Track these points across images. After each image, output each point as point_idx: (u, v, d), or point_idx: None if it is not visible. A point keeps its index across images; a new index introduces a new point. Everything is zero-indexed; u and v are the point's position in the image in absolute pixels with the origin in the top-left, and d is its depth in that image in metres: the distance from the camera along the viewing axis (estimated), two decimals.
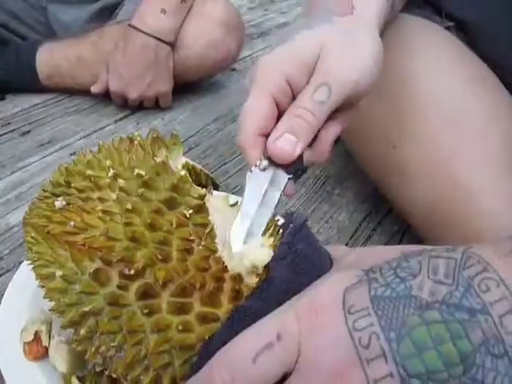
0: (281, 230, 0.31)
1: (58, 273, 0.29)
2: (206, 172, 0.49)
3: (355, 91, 0.35)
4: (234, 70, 0.97)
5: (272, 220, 0.32)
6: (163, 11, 0.74)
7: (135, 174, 0.31)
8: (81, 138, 0.75)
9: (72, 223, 0.30)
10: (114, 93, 0.79)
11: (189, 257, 0.28)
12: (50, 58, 0.84)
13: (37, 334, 0.37)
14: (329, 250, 0.30)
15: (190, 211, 0.29)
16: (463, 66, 0.52)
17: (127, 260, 0.27)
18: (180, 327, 0.26)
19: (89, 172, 0.32)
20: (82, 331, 0.28)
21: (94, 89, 0.81)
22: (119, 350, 0.27)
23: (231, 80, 0.94)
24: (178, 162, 0.37)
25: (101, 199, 0.30)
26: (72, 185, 0.32)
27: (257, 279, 0.28)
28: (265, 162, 0.33)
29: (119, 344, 0.27)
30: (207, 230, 0.29)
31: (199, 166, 0.55)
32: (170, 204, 0.30)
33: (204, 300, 0.27)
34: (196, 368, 0.25)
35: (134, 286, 0.27)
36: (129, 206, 0.29)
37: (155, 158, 0.32)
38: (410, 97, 0.50)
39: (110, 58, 0.77)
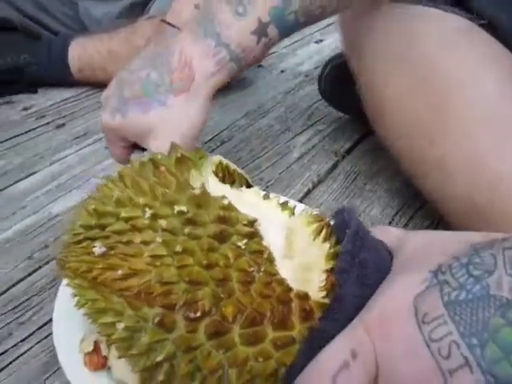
0: (332, 232, 0.31)
1: (120, 325, 0.28)
2: (240, 171, 0.51)
3: None
4: (260, 66, 0.98)
5: (323, 219, 0.32)
6: (197, 7, 0.75)
7: (176, 211, 0.29)
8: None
9: (120, 271, 0.29)
10: None
11: (251, 286, 0.27)
12: (81, 52, 0.85)
13: (96, 344, 0.36)
14: (377, 233, 0.30)
15: (244, 241, 0.29)
16: (497, 64, 0.53)
17: (190, 302, 0.27)
18: (258, 357, 0.26)
19: (123, 214, 0.30)
20: (160, 377, 0.28)
21: None
22: None
23: (258, 76, 0.95)
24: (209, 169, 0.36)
25: (145, 242, 0.29)
26: (108, 229, 0.31)
27: (322, 284, 0.28)
28: None
29: (201, 383, 0.27)
30: (265, 256, 0.29)
31: (233, 166, 0.56)
32: (221, 237, 0.29)
33: (275, 325, 0.27)
34: None
35: (202, 327, 0.27)
36: (178, 249, 0.28)
37: (193, 191, 0.30)
38: (445, 94, 0.51)
39: None
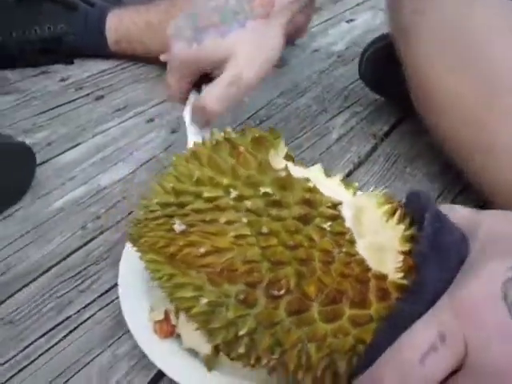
0: (405, 214, 0.32)
1: (203, 300, 0.30)
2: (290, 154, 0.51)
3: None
4: (293, 45, 0.97)
5: (394, 201, 0.33)
6: None
7: (261, 193, 0.30)
8: (154, 106, 0.76)
9: (202, 249, 0.30)
10: None
11: (331, 266, 0.28)
12: (118, 24, 0.85)
13: (166, 314, 0.38)
14: (445, 212, 0.30)
15: (329, 223, 0.29)
16: None
17: (273, 281, 0.28)
18: (336, 333, 0.28)
19: (206, 194, 0.31)
20: (240, 350, 0.30)
21: (164, 57, 0.81)
22: (281, 360, 0.29)
23: (292, 55, 0.95)
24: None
25: (228, 222, 0.30)
26: (188, 207, 0.32)
27: (399, 265, 0.29)
28: None
29: (280, 355, 0.29)
30: (347, 237, 0.30)
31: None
32: (305, 219, 0.29)
33: (353, 303, 0.28)
34: (359, 369, 0.27)
35: (284, 304, 0.28)
36: (264, 230, 0.29)
37: (278, 173, 0.31)
38: (493, 79, 0.51)
39: None
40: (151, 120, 0.73)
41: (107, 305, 0.45)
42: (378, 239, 0.31)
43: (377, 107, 0.79)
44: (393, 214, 0.32)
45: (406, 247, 0.30)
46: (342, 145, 0.70)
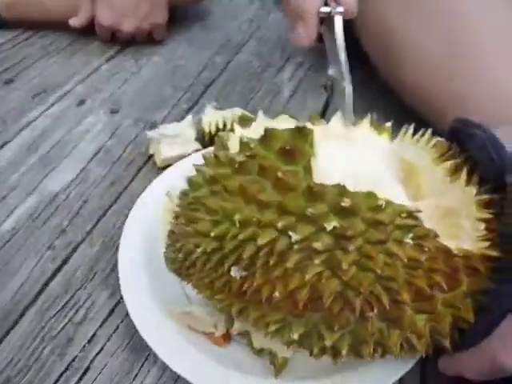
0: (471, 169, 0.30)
1: (294, 334, 0.29)
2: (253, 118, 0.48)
3: None
4: None
5: (450, 152, 0.32)
6: None
7: (328, 230, 0.26)
8: (78, 83, 0.66)
9: (276, 293, 0.28)
10: (103, 26, 0.69)
11: (419, 270, 0.27)
12: None
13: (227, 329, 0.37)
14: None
15: (410, 235, 0.27)
16: None
17: (362, 305, 0.27)
18: (433, 319, 0.28)
19: (260, 240, 0.27)
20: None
21: (74, 22, 0.70)
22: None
23: (213, 4, 0.87)
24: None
25: (297, 265, 0.27)
26: (241, 254, 0.28)
27: (481, 234, 0.28)
28: None
29: (383, 353, 0.31)
30: (431, 236, 0.28)
31: (248, 114, 0.52)
32: (382, 241, 0.27)
33: (446, 289, 0.28)
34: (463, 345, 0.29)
35: (378, 317, 0.28)
36: (344, 266, 0.27)
37: (336, 198, 0.27)
38: (464, 30, 0.50)
39: None
40: (82, 102, 0.63)
41: (114, 332, 0.39)
42: (446, 202, 0.30)
43: (318, 55, 0.77)
44: (455, 171, 0.31)
45: (485, 214, 0.29)
46: (297, 101, 0.67)
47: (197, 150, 0.53)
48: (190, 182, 0.34)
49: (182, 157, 0.52)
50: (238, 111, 0.52)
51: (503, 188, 0.28)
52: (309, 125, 0.36)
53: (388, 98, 0.65)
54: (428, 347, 0.30)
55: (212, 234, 0.29)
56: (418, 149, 0.34)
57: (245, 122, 0.36)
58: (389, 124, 0.36)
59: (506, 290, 0.27)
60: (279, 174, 0.28)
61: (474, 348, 0.29)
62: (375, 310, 0.27)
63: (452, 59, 0.51)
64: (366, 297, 0.27)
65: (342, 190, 0.27)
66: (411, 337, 0.28)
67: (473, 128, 0.32)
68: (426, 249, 0.27)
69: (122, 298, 0.40)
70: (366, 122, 0.37)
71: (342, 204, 0.26)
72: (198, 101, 0.64)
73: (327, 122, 0.40)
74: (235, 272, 0.29)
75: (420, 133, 0.36)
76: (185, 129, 0.53)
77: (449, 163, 0.31)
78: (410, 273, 0.27)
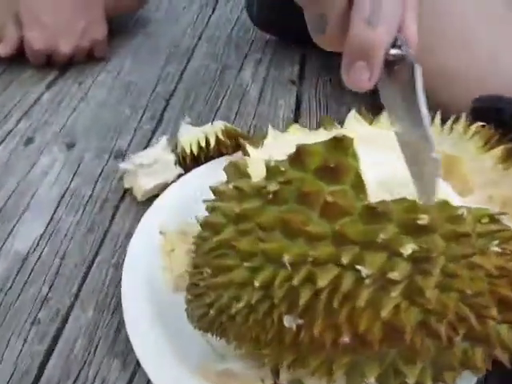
0: None
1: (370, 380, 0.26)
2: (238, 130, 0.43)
3: None
4: None
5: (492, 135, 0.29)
6: None
7: (406, 255, 0.23)
8: (21, 119, 0.57)
9: (346, 338, 0.24)
10: (36, 51, 0.60)
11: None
12: None
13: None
14: None
15: (495, 242, 0.24)
16: None
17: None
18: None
19: (320, 282, 0.23)
20: None
21: (1, 50, 0.61)
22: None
23: (150, 11, 0.80)
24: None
25: (370, 302, 0.23)
26: (297, 302, 0.24)
27: None
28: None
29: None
30: None
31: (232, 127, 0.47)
32: (467, 255, 0.23)
33: None
34: None
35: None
36: (428, 295, 0.23)
37: (419, 222, 0.23)
38: (440, 5, 0.48)
39: (21, 2, 0.58)
40: (30, 140, 0.54)
41: None
42: (502, 192, 0.27)
43: (273, 49, 0.72)
44: (507, 157, 0.28)
45: None
46: (268, 101, 0.62)
47: (179, 176, 0.47)
48: (207, 223, 0.29)
49: (164, 185, 0.46)
50: (219, 125, 0.47)
51: None
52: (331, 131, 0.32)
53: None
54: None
55: (256, 284, 0.24)
56: (455, 139, 0.31)
57: (255, 141, 0.31)
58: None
59: None
60: (328, 198, 0.23)
61: None
62: (460, 333, 0.23)
63: (435, 31, 0.48)
64: (450, 320, 0.24)
65: (410, 205, 0.23)
66: (496, 350, 0.25)
67: (496, 103, 0.29)
68: (509, 252, 0.24)
69: (138, 364, 0.34)
70: (383, 116, 0.33)
71: (419, 222, 0.22)
72: (162, 118, 0.58)
73: (341, 125, 0.36)
74: (289, 322, 0.25)
75: (450, 122, 0.32)
76: (161, 154, 0.46)
77: (498, 150, 0.28)
78: (494, 282, 0.24)
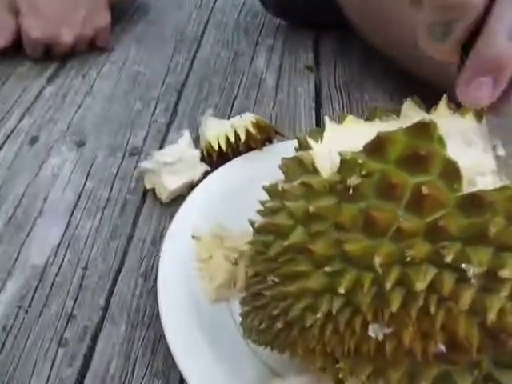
0: None
1: None
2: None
3: None
4: None
5: None
6: None
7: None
8: (23, 116, 0.53)
9: (441, 346, 0.21)
10: (34, 41, 0.56)
11: None
12: None
13: None
14: None
15: None
16: None
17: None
18: None
19: (418, 284, 0.20)
20: None
21: None
22: None
23: None
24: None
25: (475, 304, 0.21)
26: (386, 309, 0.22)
27: None
28: None
29: None
30: None
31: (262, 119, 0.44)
32: None
33: None
34: None
35: None
36: None
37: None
38: None
39: None
40: (35, 139, 0.50)
41: None
42: None
43: (285, 34, 0.68)
44: None
45: None
46: (286, 89, 0.58)
47: (205, 173, 0.43)
48: (269, 226, 0.25)
49: (190, 185, 0.42)
50: (249, 117, 0.43)
51: None
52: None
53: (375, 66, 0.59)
54: None
55: (341, 290, 0.21)
56: None
57: (315, 134, 0.28)
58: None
59: None
60: (424, 190, 0.20)
61: None
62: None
63: (408, 10, 0.47)
64: None
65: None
66: None
67: None
68: None
69: (182, 381, 0.31)
70: (442, 103, 0.30)
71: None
72: (176, 111, 0.54)
73: (397, 115, 0.32)
74: (375, 331, 0.22)
75: None
76: (185, 150, 0.42)
77: None
78: None
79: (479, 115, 0.27)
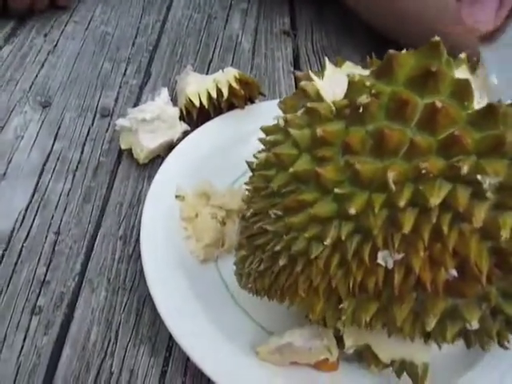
0: None
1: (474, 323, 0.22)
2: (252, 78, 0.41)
3: None
4: None
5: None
6: None
7: None
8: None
9: (452, 271, 0.20)
10: None
11: None
12: None
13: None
14: None
15: None
16: None
17: None
18: None
19: (432, 199, 0.19)
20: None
21: None
22: None
23: None
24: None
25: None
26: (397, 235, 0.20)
27: None
28: None
29: None
30: None
31: (245, 75, 0.43)
32: None
33: None
34: None
35: None
36: None
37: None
38: None
39: None
40: (47, 102, 0.46)
41: None
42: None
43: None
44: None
45: None
46: (263, 53, 0.56)
47: (185, 133, 0.40)
48: (270, 158, 0.23)
49: (169, 144, 0.40)
50: (232, 72, 0.40)
51: None
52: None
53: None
54: None
55: (352, 211, 0.19)
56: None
57: (316, 73, 0.26)
58: (463, 55, 0.28)
59: None
60: (438, 104, 0.19)
61: None
62: None
63: None
64: None
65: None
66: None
67: None
68: None
69: (169, 350, 0.29)
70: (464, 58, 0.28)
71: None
72: (149, 72, 0.51)
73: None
74: (385, 258, 0.21)
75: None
76: (163, 107, 0.40)
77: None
78: None
79: (473, 67, 0.26)
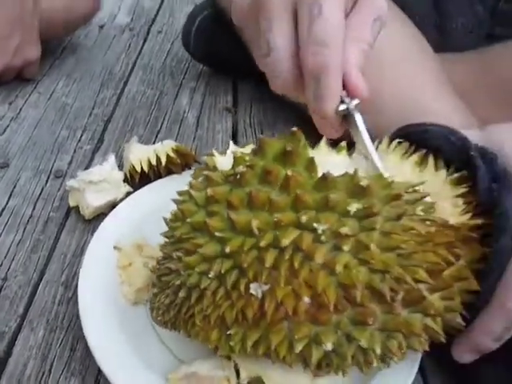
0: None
1: (327, 346, 0.27)
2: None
3: None
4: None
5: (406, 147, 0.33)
6: None
7: (352, 212, 0.26)
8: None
9: (306, 299, 0.26)
10: None
11: (427, 244, 0.28)
12: None
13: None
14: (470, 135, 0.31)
15: (420, 207, 0.27)
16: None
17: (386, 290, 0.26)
18: (445, 298, 0.28)
19: (284, 240, 0.26)
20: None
21: None
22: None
23: (80, 38, 0.79)
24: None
25: (326, 259, 0.26)
26: (267, 264, 0.26)
27: (461, 208, 0.30)
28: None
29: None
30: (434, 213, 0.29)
31: (182, 146, 0.49)
32: (400, 215, 0.27)
33: (450, 262, 0.28)
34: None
35: (400, 302, 0.27)
36: (373, 248, 0.26)
37: (352, 181, 0.26)
38: (381, 51, 0.51)
39: None
40: (5, 164, 0.51)
41: None
42: (422, 190, 0.30)
43: (207, 78, 0.75)
44: (422, 161, 0.32)
45: (460, 189, 0.30)
46: (206, 126, 0.64)
47: (128, 194, 0.46)
48: (177, 214, 0.29)
49: (113, 203, 0.46)
50: (170, 143, 0.48)
51: (468, 164, 0.30)
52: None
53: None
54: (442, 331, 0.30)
55: (227, 250, 0.26)
56: (381, 153, 0.34)
57: (220, 152, 0.33)
58: (343, 143, 0.36)
59: (499, 246, 0.28)
60: (288, 172, 0.26)
61: (483, 310, 0.29)
62: (400, 294, 0.26)
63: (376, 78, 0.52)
64: (390, 281, 0.26)
65: (352, 176, 0.27)
66: (429, 320, 0.28)
67: (423, 126, 0.34)
68: (432, 221, 0.28)
69: (97, 382, 0.33)
70: (323, 143, 0.36)
71: (361, 183, 0.26)
72: (102, 139, 0.57)
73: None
74: (256, 289, 0.26)
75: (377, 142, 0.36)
76: (110, 171, 0.46)
77: (415, 156, 0.32)
78: (423, 248, 0.27)
79: (351, 153, 0.34)
